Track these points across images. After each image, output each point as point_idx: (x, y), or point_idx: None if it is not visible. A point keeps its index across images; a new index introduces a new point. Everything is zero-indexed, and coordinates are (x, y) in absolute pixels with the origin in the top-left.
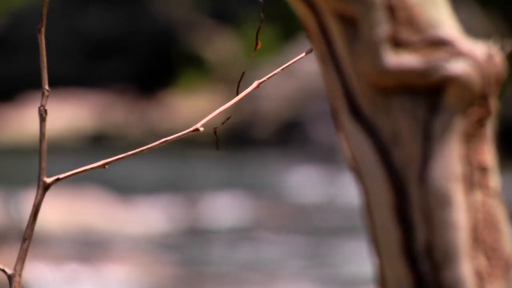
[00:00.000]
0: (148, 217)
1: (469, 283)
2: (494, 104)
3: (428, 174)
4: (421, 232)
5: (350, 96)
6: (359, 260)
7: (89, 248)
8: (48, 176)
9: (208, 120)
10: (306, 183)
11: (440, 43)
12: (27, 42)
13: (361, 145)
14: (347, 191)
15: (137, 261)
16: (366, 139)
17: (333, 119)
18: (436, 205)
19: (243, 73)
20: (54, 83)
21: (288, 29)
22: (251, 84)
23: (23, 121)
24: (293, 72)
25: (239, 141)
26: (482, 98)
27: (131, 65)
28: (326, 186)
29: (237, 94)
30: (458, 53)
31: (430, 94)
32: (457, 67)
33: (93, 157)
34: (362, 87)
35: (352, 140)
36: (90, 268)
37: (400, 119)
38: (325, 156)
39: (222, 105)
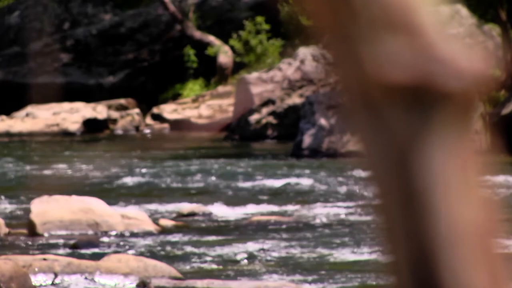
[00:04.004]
0: (137, 219)
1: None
2: (484, 113)
3: (416, 180)
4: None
5: (366, 92)
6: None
7: (82, 249)
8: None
9: (211, 121)
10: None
11: (434, 58)
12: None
13: (375, 138)
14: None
15: (129, 262)
16: (380, 133)
17: (345, 114)
18: (422, 211)
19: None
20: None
21: (288, 45)
22: (249, 84)
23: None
24: None
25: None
26: (471, 107)
27: (137, 78)
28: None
29: (236, 96)
30: (451, 69)
31: (422, 105)
32: (450, 83)
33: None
34: (374, 86)
35: (366, 133)
36: (82, 269)
37: (395, 122)
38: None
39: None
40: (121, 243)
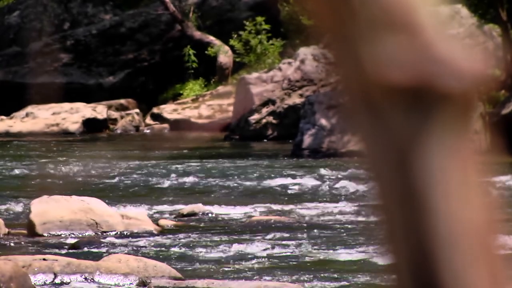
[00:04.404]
0: (136, 219)
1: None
2: (483, 114)
3: (416, 180)
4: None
5: (366, 92)
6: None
7: (83, 251)
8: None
9: (212, 120)
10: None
11: (434, 58)
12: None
13: (375, 138)
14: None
15: (128, 262)
16: (380, 133)
17: (345, 113)
18: (422, 211)
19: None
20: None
21: (288, 45)
22: (249, 84)
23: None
24: None
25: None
26: (470, 108)
27: (136, 78)
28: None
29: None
30: (451, 70)
31: (422, 105)
32: (450, 83)
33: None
34: (373, 87)
35: (366, 133)
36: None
37: (396, 122)
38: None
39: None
40: (121, 243)
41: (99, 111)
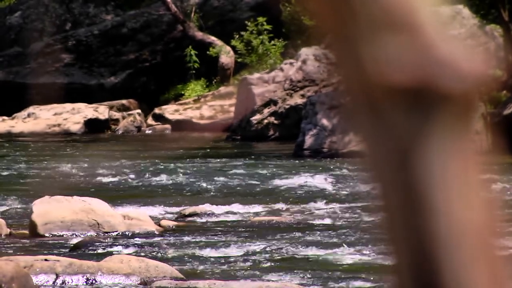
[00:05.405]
0: (137, 219)
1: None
2: (484, 115)
3: (417, 181)
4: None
5: (367, 92)
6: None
7: (83, 251)
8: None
9: (213, 121)
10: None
11: (435, 59)
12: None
13: (377, 139)
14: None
15: (130, 262)
16: (381, 133)
17: (347, 114)
18: (423, 211)
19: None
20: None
21: (289, 45)
22: (251, 85)
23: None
24: None
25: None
26: (471, 108)
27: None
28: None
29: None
30: (452, 70)
31: (423, 105)
32: (451, 84)
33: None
34: (375, 87)
35: (367, 134)
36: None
37: (396, 122)
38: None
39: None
40: (123, 244)
41: (101, 111)
